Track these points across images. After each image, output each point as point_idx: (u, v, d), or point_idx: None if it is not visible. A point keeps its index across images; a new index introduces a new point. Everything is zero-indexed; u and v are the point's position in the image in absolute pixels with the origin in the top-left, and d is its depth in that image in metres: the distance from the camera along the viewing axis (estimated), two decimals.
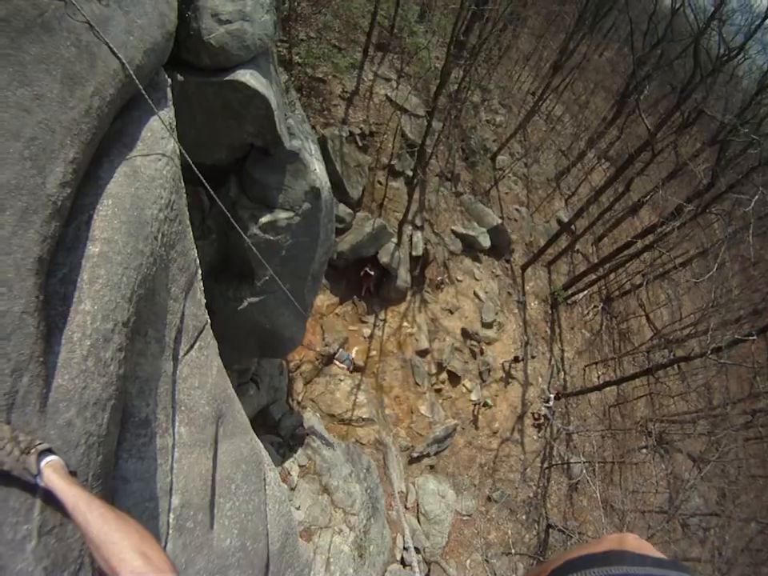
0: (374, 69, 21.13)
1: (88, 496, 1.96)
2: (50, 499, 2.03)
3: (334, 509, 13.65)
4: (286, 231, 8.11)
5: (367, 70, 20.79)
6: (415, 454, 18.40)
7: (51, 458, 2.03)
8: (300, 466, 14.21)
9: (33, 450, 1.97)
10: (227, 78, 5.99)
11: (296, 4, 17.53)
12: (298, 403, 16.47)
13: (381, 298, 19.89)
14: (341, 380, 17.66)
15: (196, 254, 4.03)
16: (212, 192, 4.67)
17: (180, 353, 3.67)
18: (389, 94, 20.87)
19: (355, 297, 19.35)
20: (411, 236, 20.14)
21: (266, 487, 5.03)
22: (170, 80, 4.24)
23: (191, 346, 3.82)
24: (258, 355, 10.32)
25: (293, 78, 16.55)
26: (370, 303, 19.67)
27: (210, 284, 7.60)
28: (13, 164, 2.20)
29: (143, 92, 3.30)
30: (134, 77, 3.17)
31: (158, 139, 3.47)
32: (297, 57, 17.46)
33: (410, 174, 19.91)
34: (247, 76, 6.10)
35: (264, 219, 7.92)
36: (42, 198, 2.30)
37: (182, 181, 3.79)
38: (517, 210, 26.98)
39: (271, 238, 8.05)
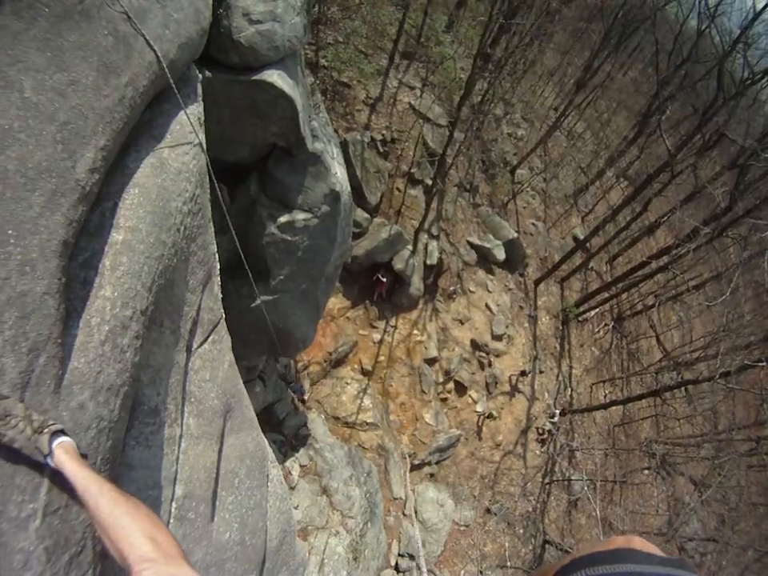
0: (399, 76, 21.20)
1: (99, 479, 1.97)
2: (58, 480, 2.04)
3: (332, 510, 13.65)
4: (303, 232, 8.16)
5: (392, 78, 20.85)
6: (417, 462, 18.36)
7: (63, 439, 2.04)
8: (301, 466, 14.23)
9: (46, 430, 1.98)
10: (255, 78, 6.02)
11: (326, 8, 17.65)
12: (303, 403, 16.51)
13: (393, 305, 19.88)
14: (347, 383, 17.70)
15: (216, 249, 4.07)
16: (217, 185, 4.69)
17: (193, 345, 3.71)
18: (412, 102, 20.92)
19: (367, 302, 19.33)
20: (427, 245, 20.14)
21: (269, 484, 5.05)
22: (200, 75, 4.29)
23: (205, 339, 3.86)
24: (268, 353, 10.34)
25: (318, 81, 16.62)
26: (382, 309, 19.64)
27: (225, 280, 7.68)
28: (45, 146, 2.23)
29: (174, 87, 3.34)
30: (167, 70, 3.21)
31: (186, 133, 3.52)
32: (324, 60, 17.56)
33: (429, 182, 19.92)
34: (275, 76, 6.12)
35: (282, 219, 7.96)
36: (71, 182, 2.33)
37: (207, 176, 3.83)
38: (533, 224, 26.92)
39: (288, 238, 8.09)
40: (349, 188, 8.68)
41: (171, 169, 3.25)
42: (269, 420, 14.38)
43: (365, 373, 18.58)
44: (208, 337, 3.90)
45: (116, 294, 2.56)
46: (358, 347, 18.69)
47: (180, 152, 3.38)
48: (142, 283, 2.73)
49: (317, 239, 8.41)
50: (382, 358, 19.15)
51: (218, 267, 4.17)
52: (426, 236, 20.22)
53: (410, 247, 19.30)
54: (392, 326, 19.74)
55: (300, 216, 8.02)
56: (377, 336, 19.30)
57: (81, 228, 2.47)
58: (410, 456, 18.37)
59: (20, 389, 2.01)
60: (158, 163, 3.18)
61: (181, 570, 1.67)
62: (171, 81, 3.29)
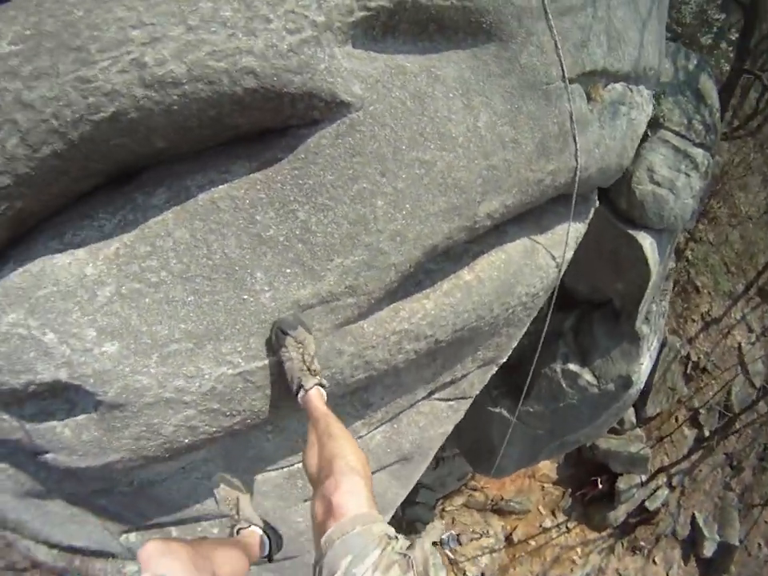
0: (745, 311, 19.41)
1: (336, 418, 2.16)
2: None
3: None
4: (578, 391, 8.02)
5: (738, 308, 19.26)
6: None
7: (322, 389, 2.32)
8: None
9: (318, 376, 2.29)
10: (630, 232, 6.09)
11: (717, 205, 17.14)
12: (441, 511, 16.25)
13: (585, 511, 18.31)
14: (485, 533, 16.80)
15: (513, 347, 4.19)
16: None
17: (436, 394, 3.87)
18: (742, 345, 19.07)
19: (569, 489, 18.04)
20: (657, 489, 18.27)
21: None
22: (597, 202, 4.55)
23: (446, 399, 4.01)
24: (462, 453, 10.19)
25: (675, 271, 16.21)
26: (574, 506, 18.19)
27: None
28: (470, 171, 2.59)
29: (573, 203, 3.58)
30: (577, 183, 3.43)
31: (562, 242, 3.72)
32: (690, 254, 17.10)
33: (706, 434, 18.24)
34: (647, 242, 6.12)
35: (571, 366, 7.93)
36: (470, 212, 2.67)
37: (554, 291, 4.01)
38: (759, 544, 22.55)
39: (563, 384, 8.03)
40: (643, 384, 8.39)
41: (536, 261, 3.48)
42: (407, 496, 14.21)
43: (507, 540, 17.36)
44: (450, 400, 4.05)
45: (432, 312, 2.82)
46: (525, 516, 17.55)
47: (546, 254, 3.60)
48: (453, 323, 2.94)
49: (583, 406, 8.22)
50: (532, 543, 17.67)
51: (503, 362, 4.29)
52: (663, 479, 18.40)
53: (644, 478, 17.76)
54: (566, 528, 18.12)
55: (586, 376, 7.89)
56: (548, 523, 17.85)
57: (449, 247, 2.79)
58: None
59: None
60: (530, 249, 3.44)
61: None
62: (574, 195, 3.50)
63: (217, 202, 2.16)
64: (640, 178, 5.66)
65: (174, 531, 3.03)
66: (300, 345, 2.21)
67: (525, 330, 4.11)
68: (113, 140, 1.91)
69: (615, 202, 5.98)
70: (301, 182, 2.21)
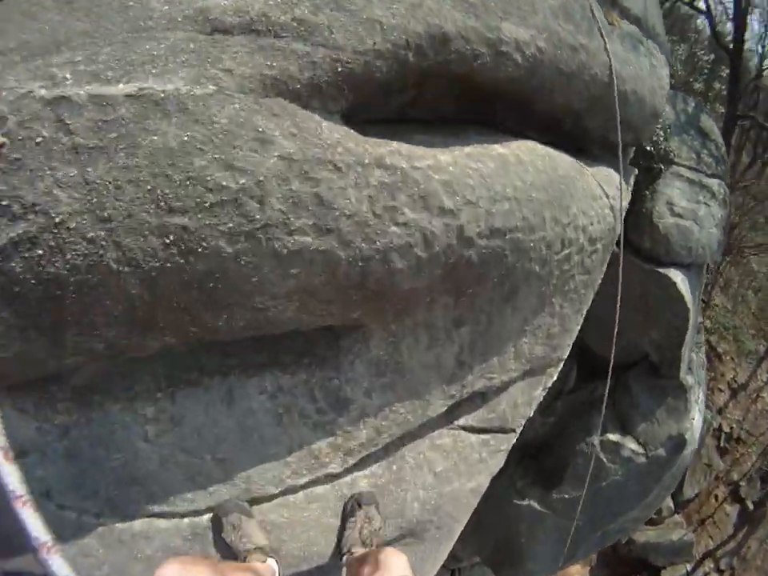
0: None
1: None
2: None
3: None
4: (622, 464, 7.07)
5: (763, 370, 19.04)
6: None
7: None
8: None
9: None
10: (658, 269, 5.96)
11: (729, 268, 17.54)
12: None
13: None
14: None
15: (569, 343, 3.15)
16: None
17: (461, 418, 2.54)
18: None
19: None
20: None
21: None
22: (636, 171, 4.30)
23: (478, 429, 2.64)
24: (483, 558, 8.83)
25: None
26: None
27: (511, 462, 6.79)
28: None
29: (617, 114, 2.99)
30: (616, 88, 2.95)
31: (611, 182, 3.17)
32: (708, 321, 16.63)
33: (751, 506, 17.41)
34: (679, 279, 5.97)
35: (611, 436, 7.09)
36: (489, 22, 2.08)
37: (614, 246, 3.33)
38: None
39: (604, 459, 7.08)
40: (697, 444, 7.50)
41: (588, 184, 2.86)
42: None
43: None
44: (483, 432, 2.66)
45: (450, 168, 1.94)
46: None
47: (599, 186, 2.95)
48: (488, 210, 2.01)
49: (630, 481, 7.20)
50: None
51: (554, 378, 3.14)
52: (710, 565, 17.19)
53: (689, 566, 16.50)
54: None
55: (630, 445, 7.05)
56: None
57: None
58: None
59: None
60: (579, 168, 2.81)
61: None
62: (615, 93, 2.91)
63: None
64: (661, 212, 5.81)
65: None
66: (368, 520, 2.20)
67: (582, 316, 3.21)
68: None
69: (638, 243, 6.01)
70: None
